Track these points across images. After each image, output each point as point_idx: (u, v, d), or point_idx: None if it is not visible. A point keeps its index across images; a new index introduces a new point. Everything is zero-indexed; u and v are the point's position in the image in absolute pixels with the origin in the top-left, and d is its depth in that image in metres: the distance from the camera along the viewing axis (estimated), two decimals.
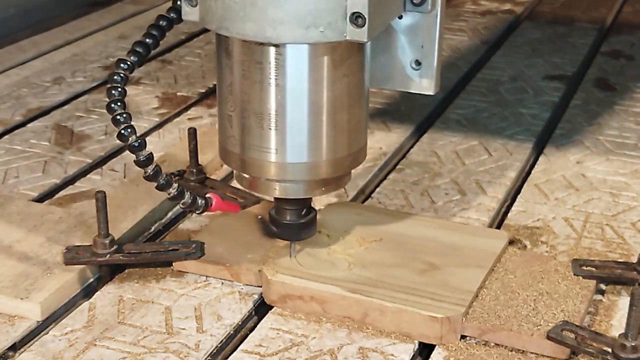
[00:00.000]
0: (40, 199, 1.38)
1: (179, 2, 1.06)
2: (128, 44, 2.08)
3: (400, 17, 1.07)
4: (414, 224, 1.23)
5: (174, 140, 1.57)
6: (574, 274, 1.13)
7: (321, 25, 0.96)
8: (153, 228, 1.29)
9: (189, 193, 1.08)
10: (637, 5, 2.38)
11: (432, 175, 1.44)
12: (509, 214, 1.33)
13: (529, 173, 1.46)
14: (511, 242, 1.23)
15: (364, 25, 0.95)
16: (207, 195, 1.11)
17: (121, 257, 1.15)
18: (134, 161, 1.05)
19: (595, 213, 1.33)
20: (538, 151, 1.54)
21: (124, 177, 1.45)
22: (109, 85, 1.04)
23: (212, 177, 1.39)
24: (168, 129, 1.63)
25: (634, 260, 1.16)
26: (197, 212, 1.11)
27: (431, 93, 1.10)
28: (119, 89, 1.04)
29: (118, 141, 1.55)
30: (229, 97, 1.05)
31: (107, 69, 1.92)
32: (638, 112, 1.70)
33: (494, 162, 1.49)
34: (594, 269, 1.14)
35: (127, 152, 1.52)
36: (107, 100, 1.04)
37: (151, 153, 1.05)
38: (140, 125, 1.63)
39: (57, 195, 1.39)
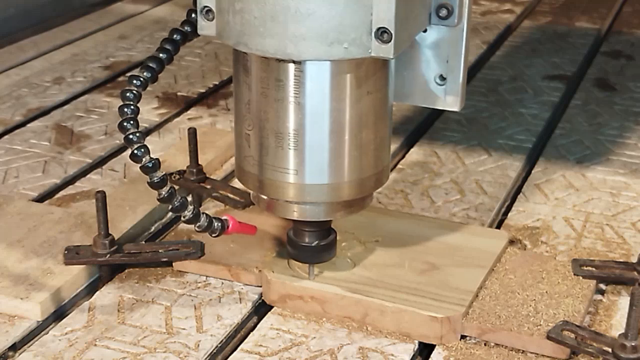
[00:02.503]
0: (40, 199, 1.38)
1: (193, 15, 1.02)
2: (128, 44, 2.09)
3: (425, 31, 1.03)
4: (414, 224, 1.22)
5: (174, 140, 1.57)
6: (574, 274, 1.13)
7: (345, 42, 0.92)
8: (153, 228, 1.29)
9: (204, 215, 1.04)
10: (637, 5, 2.38)
11: (432, 175, 1.44)
12: (509, 214, 1.33)
13: (529, 173, 1.46)
14: (511, 242, 1.23)
15: (390, 41, 0.91)
16: (224, 218, 1.07)
17: (121, 257, 1.15)
18: (147, 182, 1.00)
19: (595, 213, 1.33)
20: (538, 151, 1.54)
21: (124, 177, 1.45)
22: (121, 103, 1.00)
23: (212, 177, 1.39)
24: (168, 129, 1.63)
25: (634, 260, 1.16)
26: (212, 235, 1.06)
27: (456, 109, 1.07)
28: (132, 107, 1.00)
29: (117, 141, 1.57)
30: (247, 115, 1.01)
31: (107, 69, 1.92)
32: (638, 112, 1.70)
33: (494, 162, 1.49)
34: (594, 269, 1.14)
35: (126, 152, 1.53)
36: (120, 118, 0.99)
37: (165, 174, 1.00)
38: (141, 125, 1.63)
39: (57, 195, 1.39)
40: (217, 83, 1.85)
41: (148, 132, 1.61)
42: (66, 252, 1.15)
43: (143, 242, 1.24)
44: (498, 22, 2.23)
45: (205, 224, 1.04)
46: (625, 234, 1.28)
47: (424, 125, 1.64)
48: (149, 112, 1.70)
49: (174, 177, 1.36)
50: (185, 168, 1.36)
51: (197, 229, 1.04)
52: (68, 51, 2.04)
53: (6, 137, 1.60)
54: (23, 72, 1.91)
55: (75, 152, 1.54)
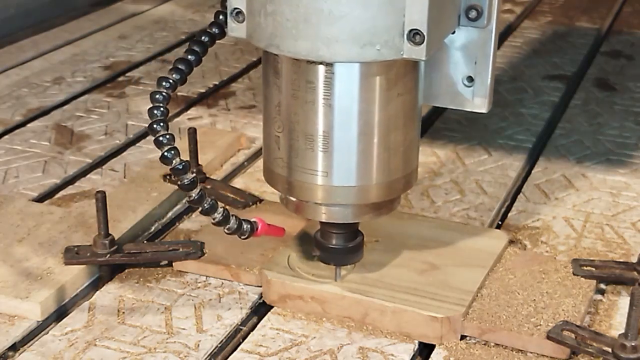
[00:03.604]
0: (40, 199, 1.38)
1: (221, 17, 1.02)
2: (128, 44, 2.09)
3: (453, 32, 1.03)
4: (414, 224, 1.22)
5: None
6: (574, 274, 1.13)
7: (377, 43, 0.92)
8: (153, 228, 1.29)
9: (234, 218, 1.03)
10: (637, 5, 2.38)
11: (432, 175, 1.44)
12: (509, 214, 1.33)
13: (529, 173, 1.46)
14: (511, 242, 1.23)
15: (422, 43, 0.91)
16: (253, 220, 1.06)
17: (121, 257, 1.15)
18: (178, 185, 1.00)
19: (595, 213, 1.33)
20: (538, 151, 1.54)
21: (124, 177, 1.45)
22: (150, 105, 0.99)
23: (212, 177, 1.39)
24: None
25: (634, 260, 1.16)
26: (242, 237, 1.05)
27: (484, 111, 1.07)
28: (162, 109, 0.99)
29: (117, 141, 1.57)
30: (277, 117, 1.01)
31: (107, 69, 1.92)
32: (638, 112, 1.70)
33: (494, 162, 1.49)
34: (594, 269, 1.14)
35: (126, 151, 1.54)
36: (150, 120, 0.99)
37: (196, 176, 1.00)
38: (141, 125, 1.63)
39: (57, 195, 1.39)
40: (217, 83, 1.85)
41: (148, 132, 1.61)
42: (66, 252, 1.15)
43: (143, 242, 1.24)
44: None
45: (235, 226, 1.03)
46: (625, 234, 1.28)
47: (424, 125, 1.64)
48: None
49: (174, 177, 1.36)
50: None
51: (226, 231, 1.04)
52: (68, 51, 2.04)
53: (6, 137, 1.60)
54: (23, 72, 1.91)
55: (75, 152, 1.54)
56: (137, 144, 1.56)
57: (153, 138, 0.98)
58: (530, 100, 1.75)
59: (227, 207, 1.29)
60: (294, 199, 1.05)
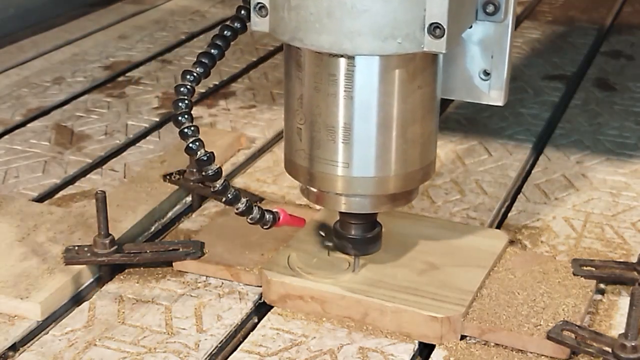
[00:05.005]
0: (40, 199, 1.38)
1: (242, 12, 1.04)
2: (128, 44, 2.09)
3: (470, 27, 1.05)
4: (414, 224, 1.22)
5: (174, 140, 1.57)
6: (574, 274, 1.13)
7: (399, 37, 0.94)
8: (153, 228, 1.29)
9: (257, 208, 1.05)
10: (637, 5, 2.38)
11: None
12: (509, 214, 1.33)
13: (529, 173, 1.46)
14: (511, 242, 1.23)
15: (442, 36, 0.93)
16: (275, 210, 1.08)
17: (121, 257, 1.15)
18: (202, 175, 1.01)
19: (595, 213, 1.33)
20: (538, 151, 1.54)
21: (124, 177, 1.45)
22: (175, 98, 1.01)
23: None
24: (168, 129, 1.63)
25: (634, 260, 1.16)
26: (264, 227, 1.07)
27: (500, 104, 1.08)
28: (186, 101, 1.01)
29: (117, 141, 1.57)
30: (299, 109, 1.03)
31: (107, 69, 1.92)
32: (638, 112, 1.70)
33: (494, 162, 1.49)
34: (594, 269, 1.14)
35: (126, 151, 1.54)
36: (175, 112, 1.00)
37: (220, 167, 1.01)
38: (141, 125, 1.64)
39: (57, 195, 1.39)
40: (217, 83, 1.85)
41: (148, 132, 1.61)
42: (66, 252, 1.15)
43: (143, 242, 1.24)
44: None
45: (258, 216, 1.05)
46: (625, 234, 1.28)
47: None
48: (149, 112, 1.70)
49: (174, 177, 1.36)
50: (185, 168, 1.36)
51: (249, 221, 1.05)
52: (68, 51, 2.04)
53: (6, 137, 1.60)
54: (23, 72, 1.91)
55: (75, 152, 1.54)
56: (137, 144, 1.56)
57: (178, 130, 1.00)
58: (530, 100, 1.75)
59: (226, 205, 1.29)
60: (314, 190, 1.06)
